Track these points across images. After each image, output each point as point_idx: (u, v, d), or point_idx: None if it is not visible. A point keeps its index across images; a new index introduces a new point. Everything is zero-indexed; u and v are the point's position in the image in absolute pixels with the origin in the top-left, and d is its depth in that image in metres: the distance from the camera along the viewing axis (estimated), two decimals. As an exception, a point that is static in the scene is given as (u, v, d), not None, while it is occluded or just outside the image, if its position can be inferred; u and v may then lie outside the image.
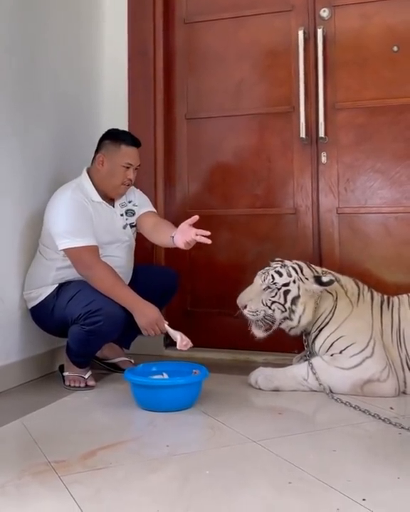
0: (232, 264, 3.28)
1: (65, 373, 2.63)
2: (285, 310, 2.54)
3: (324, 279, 2.52)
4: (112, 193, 2.73)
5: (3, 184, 2.61)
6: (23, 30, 2.74)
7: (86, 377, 2.61)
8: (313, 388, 2.46)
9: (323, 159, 3.13)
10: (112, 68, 3.40)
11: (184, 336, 2.50)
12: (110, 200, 2.76)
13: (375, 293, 2.65)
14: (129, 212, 2.81)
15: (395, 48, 3.01)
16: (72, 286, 2.58)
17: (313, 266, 2.66)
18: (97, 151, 2.75)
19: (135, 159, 2.73)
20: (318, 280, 2.53)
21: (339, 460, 1.80)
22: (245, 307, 2.55)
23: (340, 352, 2.47)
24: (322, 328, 2.56)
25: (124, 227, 2.79)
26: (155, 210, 2.91)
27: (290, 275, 2.57)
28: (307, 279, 2.56)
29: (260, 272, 2.63)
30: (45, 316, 2.63)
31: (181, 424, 2.15)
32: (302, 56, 3.07)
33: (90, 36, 3.33)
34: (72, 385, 2.58)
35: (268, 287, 2.55)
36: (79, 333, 2.49)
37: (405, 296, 2.62)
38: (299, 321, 2.55)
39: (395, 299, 2.62)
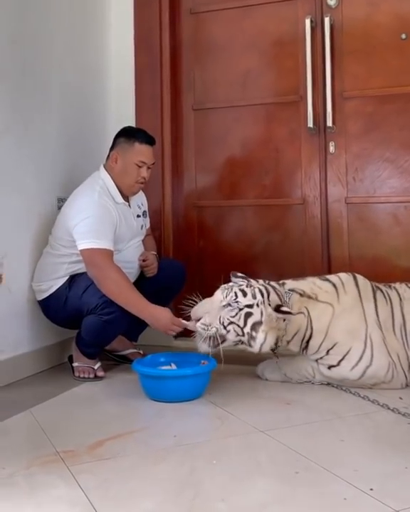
0: (240, 254, 3.27)
1: (75, 364, 2.64)
2: (243, 334, 2.32)
3: (283, 308, 2.32)
4: (126, 191, 2.73)
5: (11, 176, 2.62)
6: (28, 21, 2.73)
7: (95, 368, 2.62)
8: (321, 382, 2.46)
9: (331, 149, 3.11)
10: (118, 59, 3.39)
11: None
12: (125, 198, 2.76)
13: (361, 281, 2.51)
14: (144, 214, 2.89)
15: (403, 36, 2.97)
16: (85, 277, 2.57)
17: (279, 289, 2.42)
18: (111, 149, 2.74)
19: (149, 157, 2.70)
20: (276, 307, 2.32)
21: (347, 450, 1.80)
22: (199, 320, 2.32)
23: (338, 363, 2.39)
24: (308, 340, 2.43)
25: (141, 228, 2.84)
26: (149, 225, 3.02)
27: (254, 297, 2.34)
28: (270, 305, 2.34)
29: (222, 287, 2.41)
30: (56, 307, 2.63)
31: (188, 415, 2.16)
32: (309, 45, 3.04)
33: (96, 27, 3.32)
34: (81, 375, 2.60)
35: (229, 305, 2.33)
36: (95, 322, 2.50)
37: (403, 285, 2.57)
38: (260, 350, 2.33)
39: (393, 291, 2.53)
